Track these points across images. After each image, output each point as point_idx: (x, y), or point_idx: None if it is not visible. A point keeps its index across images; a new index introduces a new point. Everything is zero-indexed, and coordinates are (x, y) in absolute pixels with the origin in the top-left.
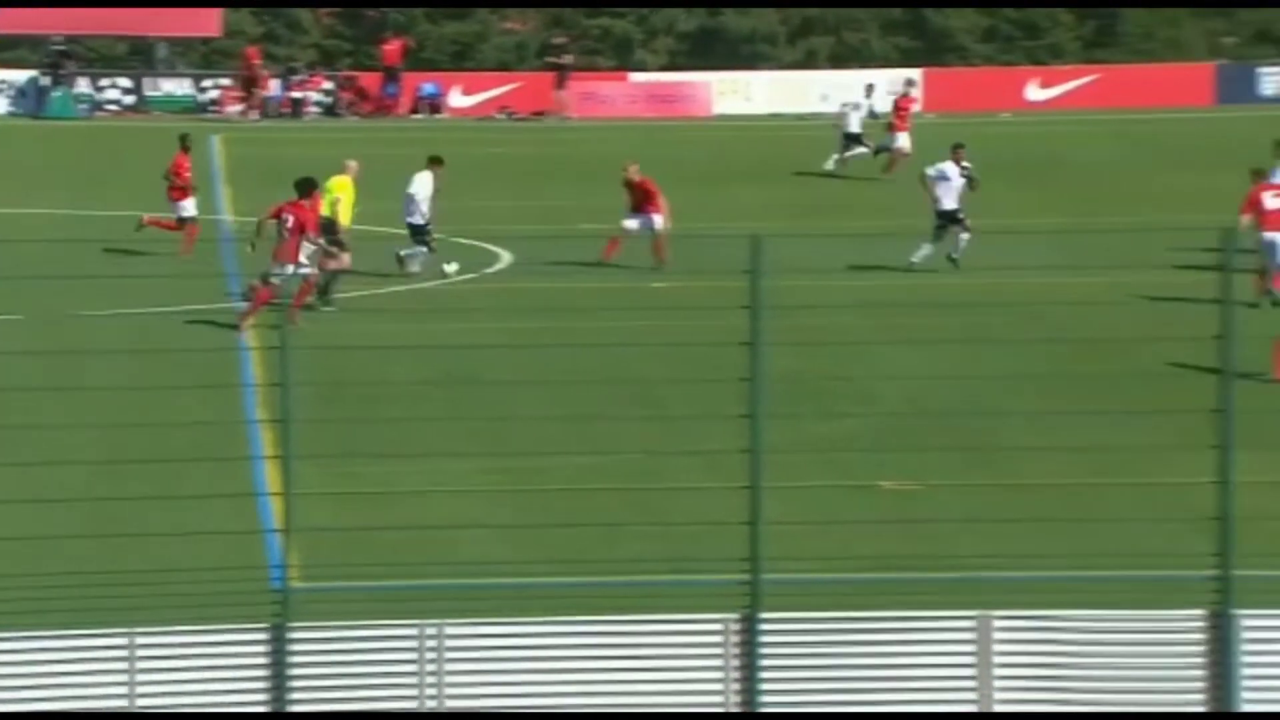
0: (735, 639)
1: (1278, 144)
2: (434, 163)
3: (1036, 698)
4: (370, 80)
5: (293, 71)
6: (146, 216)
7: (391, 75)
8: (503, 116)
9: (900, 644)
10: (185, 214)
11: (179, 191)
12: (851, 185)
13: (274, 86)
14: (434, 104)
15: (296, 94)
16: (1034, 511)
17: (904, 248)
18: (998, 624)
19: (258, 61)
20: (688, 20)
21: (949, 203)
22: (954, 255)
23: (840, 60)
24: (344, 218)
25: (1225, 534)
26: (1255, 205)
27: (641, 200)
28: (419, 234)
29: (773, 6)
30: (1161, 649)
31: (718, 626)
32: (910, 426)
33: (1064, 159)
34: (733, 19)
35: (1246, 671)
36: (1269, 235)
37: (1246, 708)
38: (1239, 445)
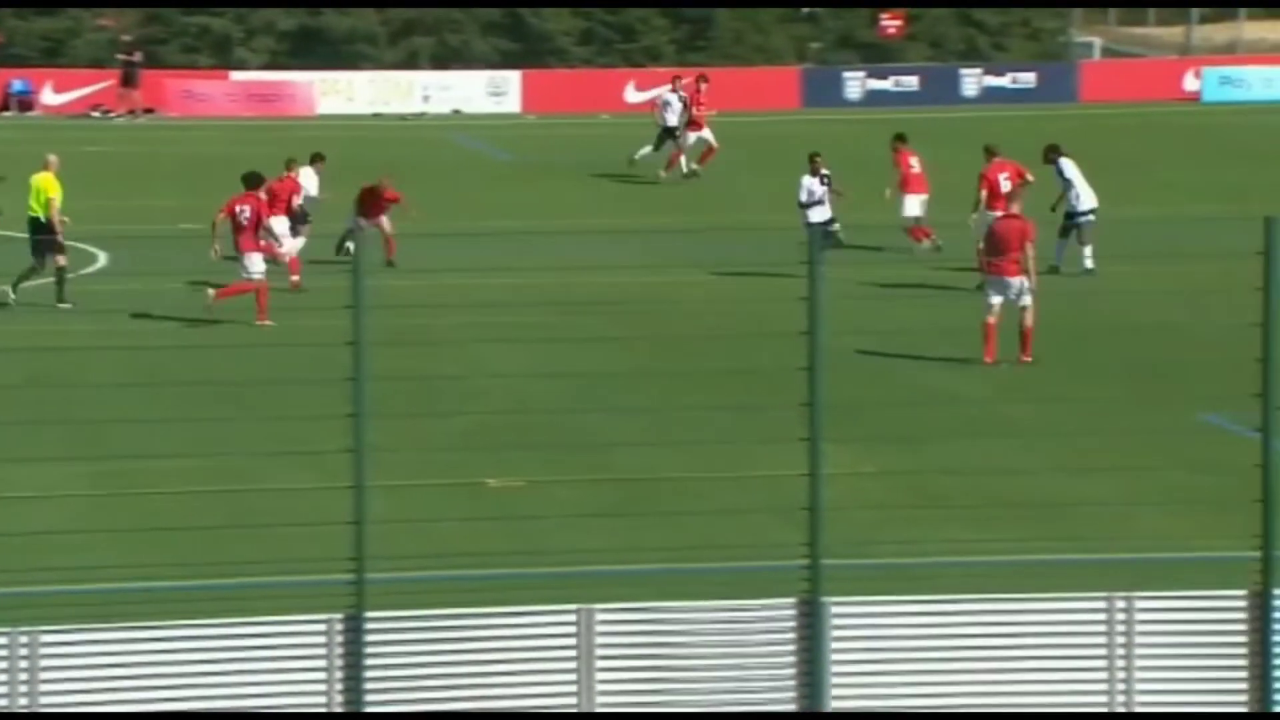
0: (339, 639)
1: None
2: (316, 159)
3: (639, 689)
4: None
5: None
6: None
7: None
8: (97, 114)
9: (504, 640)
10: None
11: None
12: (463, 186)
13: None
14: (24, 101)
15: None
16: (636, 506)
17: (507, 247)
18: (600, 618)
19: None
20: (288, 19)
21: (817, 216)
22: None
23: (441, 61)
24: (54, 213)
25: (814, 524)
26: (991, 187)
27: (376, 207)
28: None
29: (374, 6)
30: (758, 637)
31: (321, 627)
32: (515, 424)
33: (659, 162)
34: (333, 18)
35: (835, 657)
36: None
37: (835, 692)
38: (829, 439)
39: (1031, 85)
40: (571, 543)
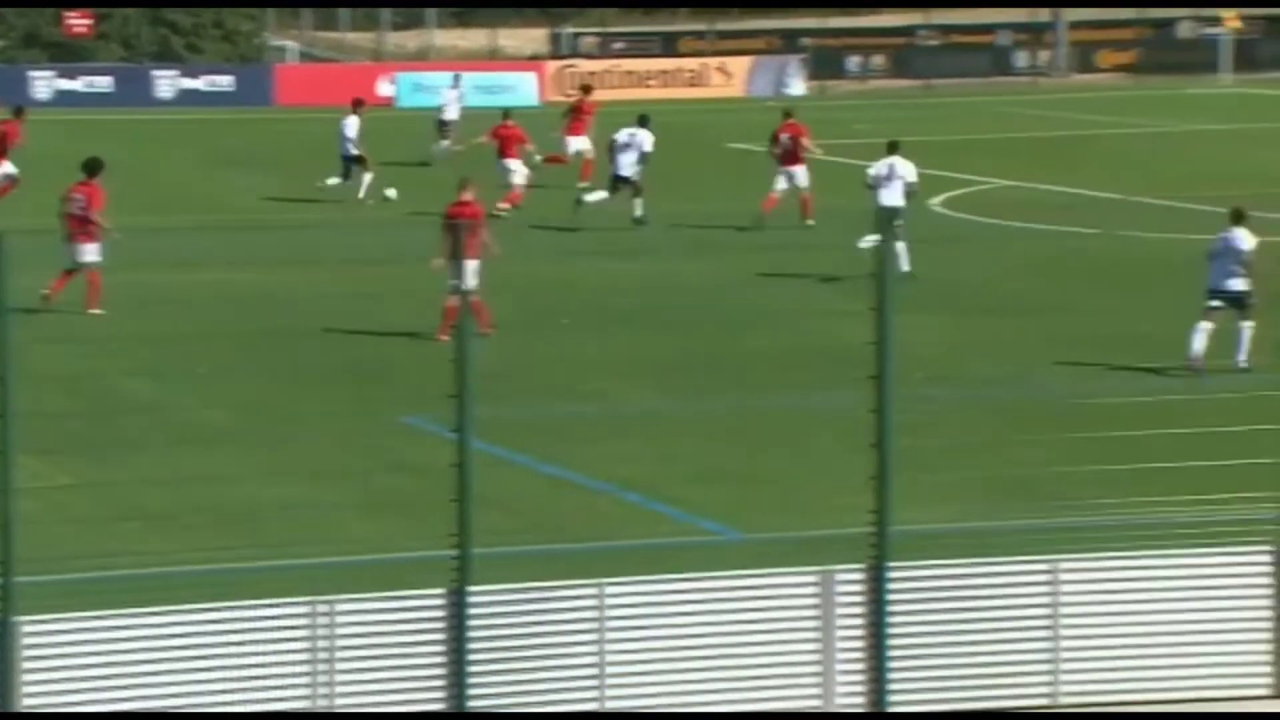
0: None
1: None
2: (358, 104)
3: None
4: None
5: None
6: None
7: None
8: None
9: None
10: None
11: None
12: None
13: None
14: None
15: None
16: None
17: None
18: None
19: None
20: None
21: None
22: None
23: None
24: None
25: (6, 541)
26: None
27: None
28: (359, 163)
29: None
30: None
31: None
32: None
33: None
34: None
35: (29, 677)
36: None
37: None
38: (25, 450)
39: (229, 88)
40: None
